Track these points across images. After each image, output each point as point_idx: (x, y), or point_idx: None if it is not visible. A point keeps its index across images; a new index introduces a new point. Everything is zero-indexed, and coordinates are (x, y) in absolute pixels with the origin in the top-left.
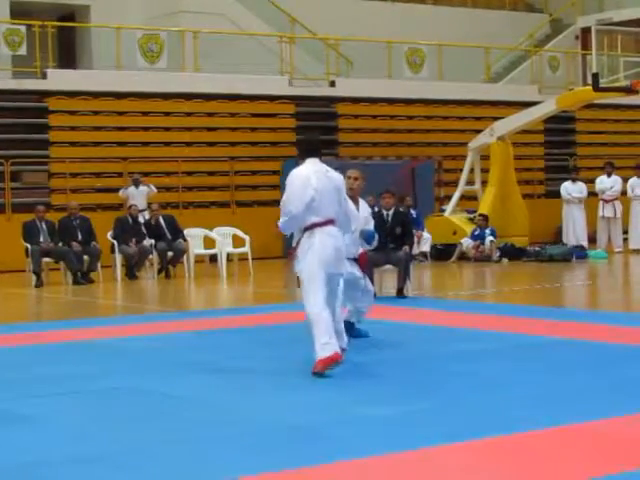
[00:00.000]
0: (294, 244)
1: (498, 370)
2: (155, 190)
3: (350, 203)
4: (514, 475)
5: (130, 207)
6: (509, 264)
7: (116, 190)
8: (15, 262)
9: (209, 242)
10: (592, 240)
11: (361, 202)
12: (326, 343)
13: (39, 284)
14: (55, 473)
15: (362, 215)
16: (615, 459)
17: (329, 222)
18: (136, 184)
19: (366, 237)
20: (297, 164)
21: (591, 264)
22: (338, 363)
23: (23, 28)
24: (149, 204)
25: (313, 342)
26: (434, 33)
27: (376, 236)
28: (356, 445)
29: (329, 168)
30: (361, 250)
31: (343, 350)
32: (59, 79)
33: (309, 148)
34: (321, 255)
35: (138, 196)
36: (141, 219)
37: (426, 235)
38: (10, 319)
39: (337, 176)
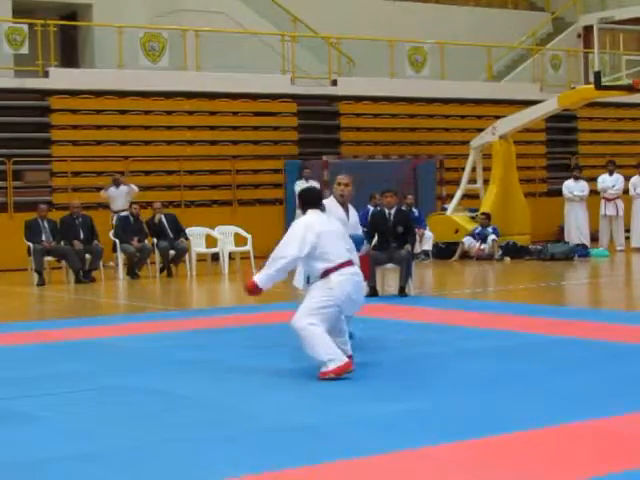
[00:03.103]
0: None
1: (499, 368)
2: (136, 189)
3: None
4: (515, 474)
5: (130, 205)
6: (511, 263)
7: None
8: (17, 261)
9: (211, 241)
10: (594, 239)
11: (350, 208)
12: (333, 354)
13: (41, 283)
14: (56, 471)
15: (352, 221)
16: (617, 458)
17: (344, 264)
18: (116, 184)
19: (355, 242)
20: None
21: (593, 263)
22: (350, 372)
23: (25, 27)
24: (131, 203)
25: (314, 355)
26: (436, 32)
27: (365, 242)
28: (357, 444)
29: (329, 217)
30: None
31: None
32: (61, 78)
33: (311, 201)
34: (339, 295)
35: (118, 196)
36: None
37: (428, 234)
38: (12, 318)
39: (336, 222)
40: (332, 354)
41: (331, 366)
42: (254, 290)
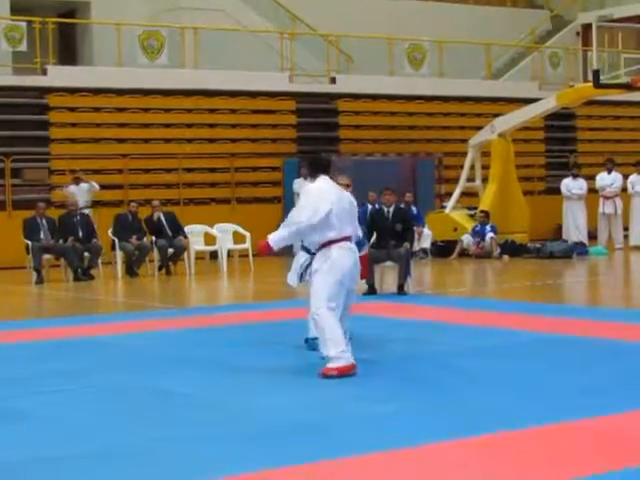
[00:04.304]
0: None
1: (498, 367)
2: (97, 187)
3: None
4: (515, 471)
5: (129, 204)
6: (510, 261)
7: (117, 187)
8: (16, 259)
9: (210, 239)
10: (593, 237)
11: None
12: (341, 353)
13: (39, 281)
14: (56, 470)
15: None
16: (617, 456)
17: (345, 238)
18: (76, 182)
19: (356, 244)
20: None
21: (592, 261)
22: (352, 373)
23: (23, 24)
24: (130, 201)
25: (324, 348)
26: (435, 30)
27: (366, 244)
28: (356, 442)
29: (338, 186)
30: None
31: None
32: (59, 75)
33: (320, 166)
34: (341, 268)
35: (79, 194)
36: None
37: (427, 232)
38: (11, 316)
39: (347, 194)
40: (341, 352)
41: (336, 364)
42: (266, 249)
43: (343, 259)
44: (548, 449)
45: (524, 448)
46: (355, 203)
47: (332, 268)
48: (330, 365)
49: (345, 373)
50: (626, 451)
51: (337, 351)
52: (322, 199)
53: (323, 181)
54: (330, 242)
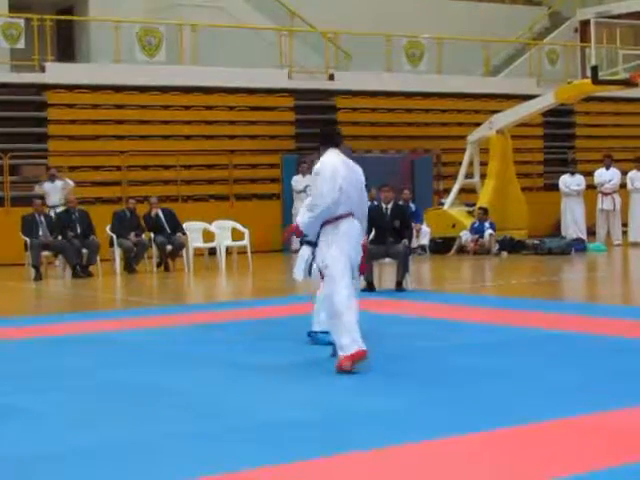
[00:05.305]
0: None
1: (497, 363)
2: (72, 184)
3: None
4: (513, 467)
5: (128, 200)
6: (508, 257)
7: (115, 184)
8: (14, 256)
9: (208, 235)
10: (591, 233)
11: None
12: (353, 340)
13: (38, 278)
14: (55, 466)
15: None
16: (616, 452)
17: (350, 214)
18: (51, 179)
19: None
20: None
21: (590, 257)
22: (364, 359)
23: (21, 21)
24: (129, 198)
25: (337, 334)
26: (433, 26)
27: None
28: (356, 439)
29: (348, 159)
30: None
31: None
32: (58, 72)
33: (330, 138)
34: (347, 246)
35: (53, 191)
36: (52, 214)
37: (425, 228)
38: (9, 312)
39: (358, 168)
40: (353, 340)
41: (349, 351)
42: (297, 231)
43: (350, 239)
44: (548, 445)
45: (524, 444)
46: (363, 179)
47: (341, 250)
48: (343, 354)
49: (358, 359)
50: (626, 447)
51: (350, 338)
52: (334, 178)
53: (333, 155)
54: (337, 218)
